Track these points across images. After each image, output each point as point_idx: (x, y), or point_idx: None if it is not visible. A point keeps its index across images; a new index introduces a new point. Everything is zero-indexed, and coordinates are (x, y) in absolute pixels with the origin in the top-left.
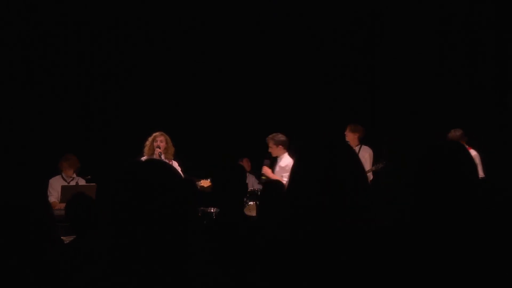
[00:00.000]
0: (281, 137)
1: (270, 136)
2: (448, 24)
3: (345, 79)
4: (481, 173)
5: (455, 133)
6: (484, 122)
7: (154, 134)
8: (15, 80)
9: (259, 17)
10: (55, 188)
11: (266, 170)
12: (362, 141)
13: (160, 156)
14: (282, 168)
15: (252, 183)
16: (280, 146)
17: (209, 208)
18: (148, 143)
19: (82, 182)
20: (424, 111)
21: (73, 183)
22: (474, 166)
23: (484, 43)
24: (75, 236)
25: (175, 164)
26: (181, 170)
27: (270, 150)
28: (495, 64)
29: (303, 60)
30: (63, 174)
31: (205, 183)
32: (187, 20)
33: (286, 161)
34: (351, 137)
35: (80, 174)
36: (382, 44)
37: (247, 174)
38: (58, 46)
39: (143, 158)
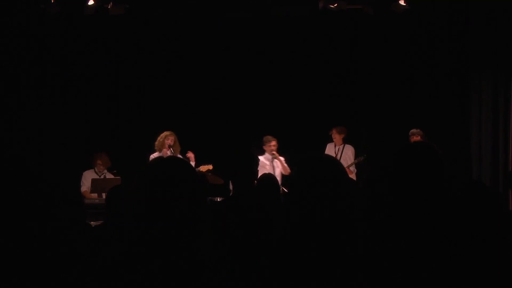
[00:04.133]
0: None
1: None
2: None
3: (331, 87)
4: None
5: (419, 132)
6: (444, 124)
7: (166, 134)
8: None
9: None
10: (88, 179)
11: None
12: (345, 141)
13: (171, 152)
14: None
15: None
16: None
17: (216, 198)
18: (160, 139)
19: (109, 176)
20: (395, 113)
21: (102, 177)
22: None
23: (448, 52)
24: (101, 222)
25: None
26: None
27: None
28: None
29: (293, 67)
30: (96, 169)
31: (204, 168)
32: (195, 28)
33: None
34: (337, 138)
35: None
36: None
37: None
38: (92, 60)
39: (159, 154)
